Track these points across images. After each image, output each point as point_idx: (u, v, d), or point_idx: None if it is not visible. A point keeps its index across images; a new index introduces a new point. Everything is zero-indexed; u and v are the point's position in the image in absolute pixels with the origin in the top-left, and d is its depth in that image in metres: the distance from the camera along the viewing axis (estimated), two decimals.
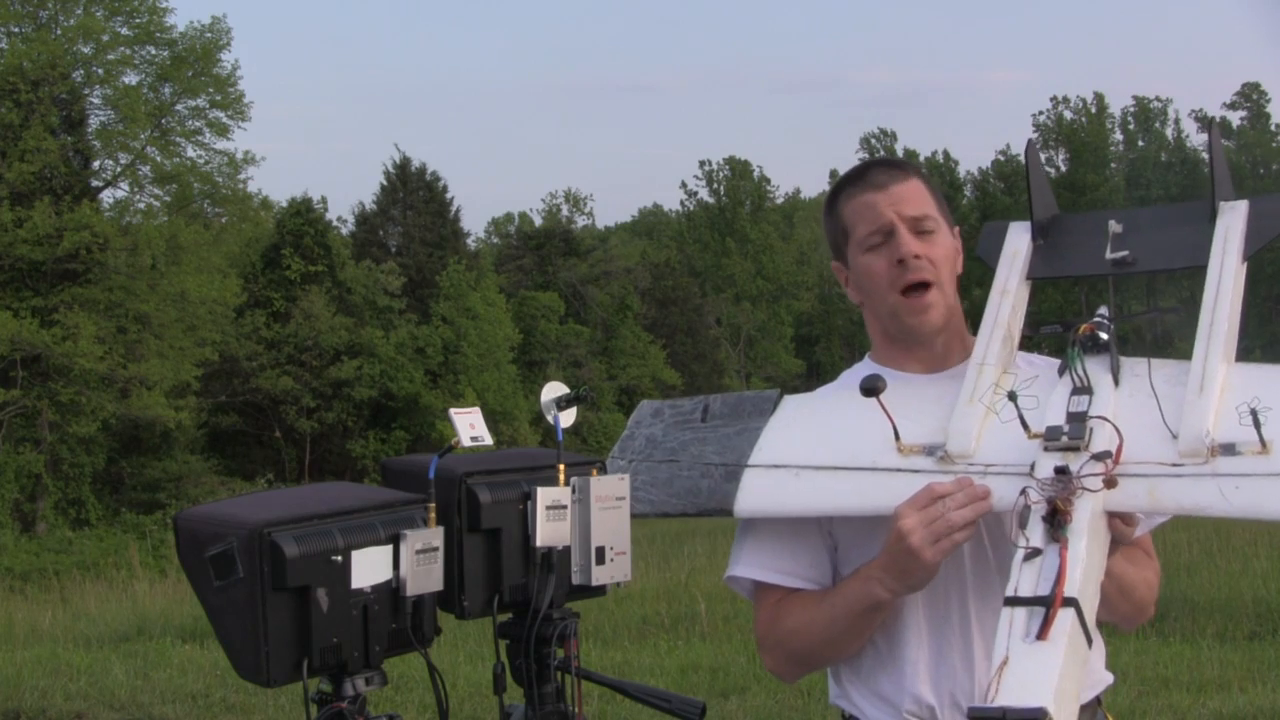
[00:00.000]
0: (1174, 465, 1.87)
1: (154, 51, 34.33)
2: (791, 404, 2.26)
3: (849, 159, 72.55)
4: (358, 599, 2.60)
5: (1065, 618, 1.66)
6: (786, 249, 66.60)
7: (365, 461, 36.93)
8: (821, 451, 2.11)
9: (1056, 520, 1.76)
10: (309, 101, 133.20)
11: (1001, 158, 64.97)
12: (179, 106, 34.81)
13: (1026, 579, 1.73)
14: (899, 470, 2.02)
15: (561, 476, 3.00)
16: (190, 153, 35.38)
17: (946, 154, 69.03)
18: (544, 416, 3.08)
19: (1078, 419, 1.91)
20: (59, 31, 33.42)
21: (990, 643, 1.97)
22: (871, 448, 2.06)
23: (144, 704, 7.01)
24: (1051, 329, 2.14)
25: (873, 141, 70.22)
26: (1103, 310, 2.12)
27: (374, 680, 2.67)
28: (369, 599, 2.62)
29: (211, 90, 34.47)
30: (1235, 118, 65.27)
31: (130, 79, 34.24)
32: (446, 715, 2.88)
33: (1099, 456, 1.84)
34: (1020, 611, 1.69)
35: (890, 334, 2.22)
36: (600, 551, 2.99)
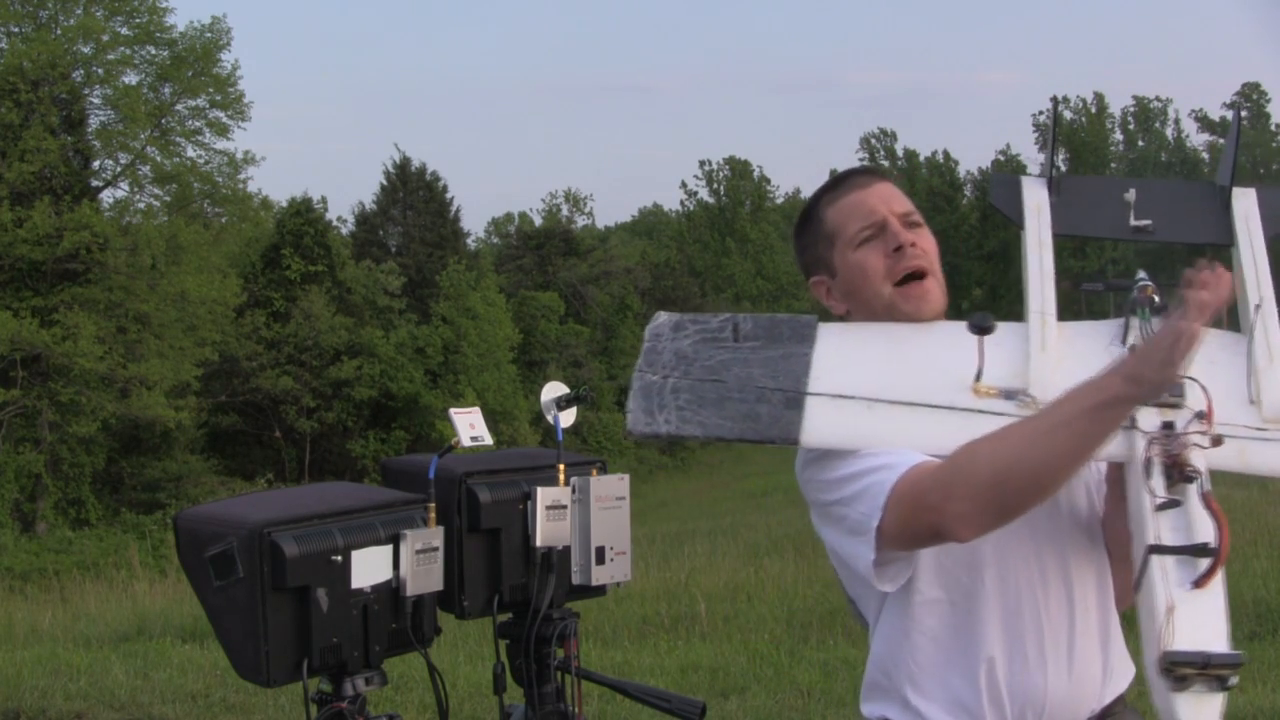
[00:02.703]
0: (1259, 429, 1.93)
1: (154, 51, 34.32)
2: (833, 332, 2.14)
3: (849, 159, 72.48)
4: (358, 599, 2.61)
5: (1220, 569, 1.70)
6: (786, 249, 66.39)
7: (365, 461, 36.88)
8: (890, 385, 2.02)
9: (1176, 473, 1.79)
10: (309, 101, 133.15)
11: (1001, 158, 64.98)
12: (179, 106, 34.80)
13: (1165, 529, 1.74)
14: (979, 412, 1.97)
15: (561, 476, 3.00)
16: (190, 153, 35.39)
17: (946, 154, 69.02)
18: (544, 416, 3.09)
19: None
20: (59, 31, 33.39)
21: (1058, 635, 2.01)
22: (944, 386, 1.99)
23: (144, 704, 6.99)
24: (1092, 286, 2.14)
25: (873, 141, 70.25)
26: (1142, 274, 2.11)
27: (374, 680, 2.68)
28: (369, 599, 2.62)
29: (211, 90, 34.45)
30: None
31: (130, 79, 34.25)
32: (446, 715, 2.88)
33: (1200, 415, 1.86)
34: (1169, 560, 1.70)
35: None
36: (600, 551, 2.99)
